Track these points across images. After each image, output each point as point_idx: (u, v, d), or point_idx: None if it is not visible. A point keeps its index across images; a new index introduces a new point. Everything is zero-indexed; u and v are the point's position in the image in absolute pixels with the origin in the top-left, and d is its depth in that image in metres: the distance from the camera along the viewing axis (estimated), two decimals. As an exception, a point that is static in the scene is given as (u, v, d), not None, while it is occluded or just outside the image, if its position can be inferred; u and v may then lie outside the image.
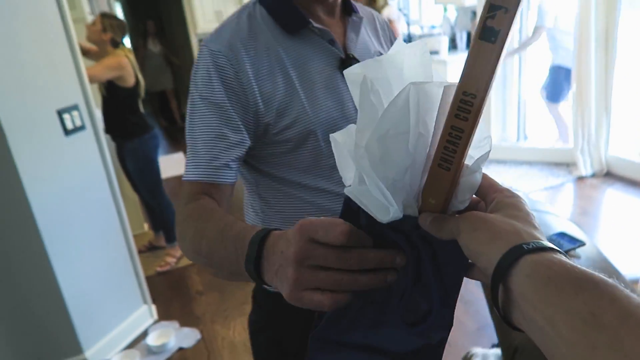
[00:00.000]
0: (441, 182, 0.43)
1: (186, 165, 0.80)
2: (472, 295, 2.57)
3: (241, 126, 0.80)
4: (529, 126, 4.63)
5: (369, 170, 0.43)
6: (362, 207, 0.45)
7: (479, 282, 1.05)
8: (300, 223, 0.48)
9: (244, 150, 0.81)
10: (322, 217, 0.49)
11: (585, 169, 3.87)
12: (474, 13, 4.51)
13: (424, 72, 0.47)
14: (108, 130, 2.96)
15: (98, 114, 2.59)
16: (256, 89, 0.80)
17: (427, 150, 0.44)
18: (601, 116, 3.76)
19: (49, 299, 2.11)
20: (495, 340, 1.94)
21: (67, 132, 2.13)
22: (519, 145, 4.54)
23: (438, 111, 0.43)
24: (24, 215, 1.99)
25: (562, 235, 0.94)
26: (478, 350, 1.77)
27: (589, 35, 3.53)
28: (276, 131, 0.82)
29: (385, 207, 0.44)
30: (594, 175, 3.88)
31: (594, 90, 3.68)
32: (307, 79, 0.83)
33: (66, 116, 2.13)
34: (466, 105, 0.41)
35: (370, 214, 0.45)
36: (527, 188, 3.80)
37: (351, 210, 0.48)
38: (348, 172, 0.49)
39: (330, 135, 0.51)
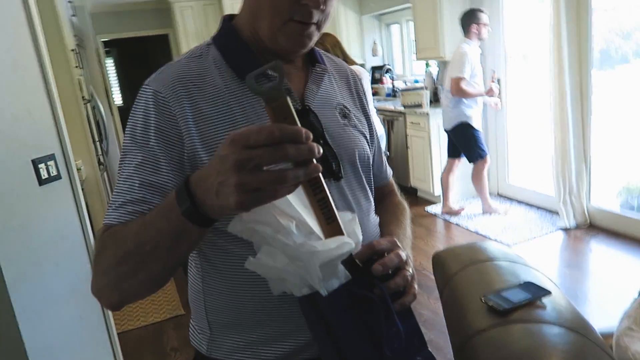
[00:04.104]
0: (335, 229, 0.65)
1: (107, 210, 0.75)
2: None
3: (170, 174, 0.74)
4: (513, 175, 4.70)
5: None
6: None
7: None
8: (230, 136, 0.53)
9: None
10: (248, 127, 0.55)
11: (568, 221, 3.88)
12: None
13: None
14: None
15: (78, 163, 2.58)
16: (195, 133, 0.75)
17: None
18: (581, 168, 3.82)
19: (11, 356, 2.00)
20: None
21: (41, 181, 2.10)
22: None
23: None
24: (-11, 266, 1.92)
25: (528, 284, 0.92)
26: None
27: (564, 90, 3.64)
28: None
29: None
30: (577, 227, 3.89)
31: (572, 142, 3.75)
32: None
33: (41, 166, 2.11)
34: (316, 182, 0.60)
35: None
36: (512, 240, 3.78)
37: None
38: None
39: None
